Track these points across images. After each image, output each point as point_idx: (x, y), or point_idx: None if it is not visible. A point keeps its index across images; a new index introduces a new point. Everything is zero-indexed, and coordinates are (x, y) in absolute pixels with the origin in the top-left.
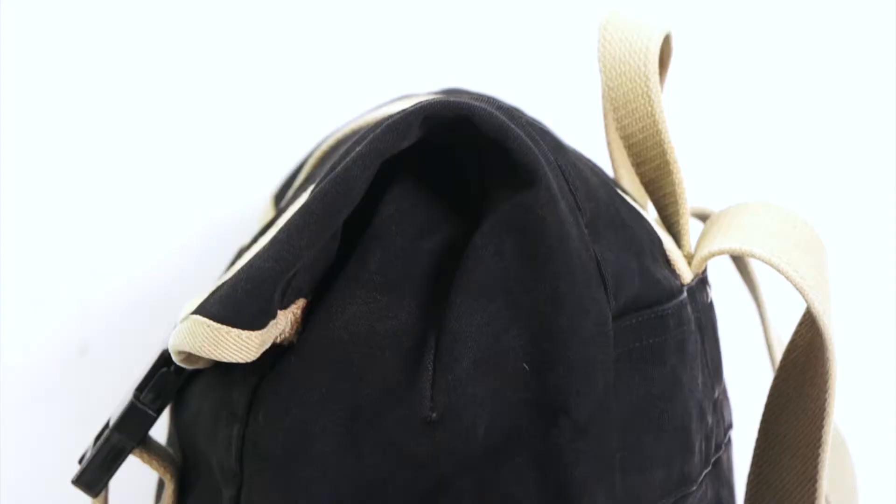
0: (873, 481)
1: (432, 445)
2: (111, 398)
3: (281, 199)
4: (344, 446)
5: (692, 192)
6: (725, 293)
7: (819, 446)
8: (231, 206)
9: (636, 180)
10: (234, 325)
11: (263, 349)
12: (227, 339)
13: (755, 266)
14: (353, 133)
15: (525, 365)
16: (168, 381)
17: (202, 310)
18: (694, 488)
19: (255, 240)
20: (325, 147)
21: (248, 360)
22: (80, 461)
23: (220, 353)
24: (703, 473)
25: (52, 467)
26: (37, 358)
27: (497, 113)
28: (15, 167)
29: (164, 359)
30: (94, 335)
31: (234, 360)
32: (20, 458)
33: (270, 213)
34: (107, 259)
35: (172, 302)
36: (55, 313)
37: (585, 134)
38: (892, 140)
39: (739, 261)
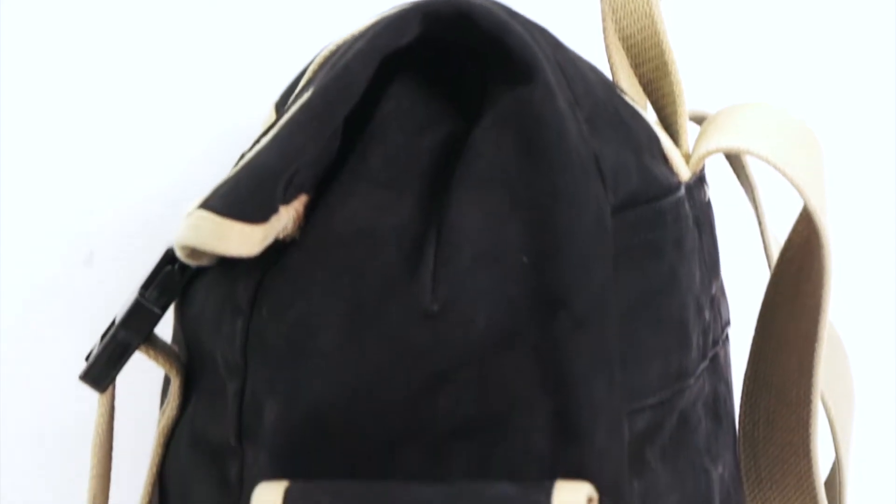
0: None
1: (433, 337)
2: (116, 306)
3: (283, 106)
4: (346, 339)
5: (689, 97)
6: (722, 194)
7: (815, 341)
8: (235, 116)
9: (635, 83)
10: (237, 219)
11: (266, 244)
12: (231, 233)
13: (752, 167)
14: (353, 38)
15: (524, 258)
16: (173, 278)
17: (206, 204)
18: (691, 382)
19: (256, 142)
20: (325, 53)
21: (251, 255)
22: (87, 358)
23: (223, 247)
24: (701, 368)
25: (58, 372)
26: (42, 267)
27: (496, 9)
28: (21, 78)
29: (169, 257)
30: (99, 245)
31: (237, 255)
32: (26, 364)
33: (272, 120)
34: (112, 169)
35: (178, 212)
36: (61, 223)
37: (583, 39)
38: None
39: (736, 161)
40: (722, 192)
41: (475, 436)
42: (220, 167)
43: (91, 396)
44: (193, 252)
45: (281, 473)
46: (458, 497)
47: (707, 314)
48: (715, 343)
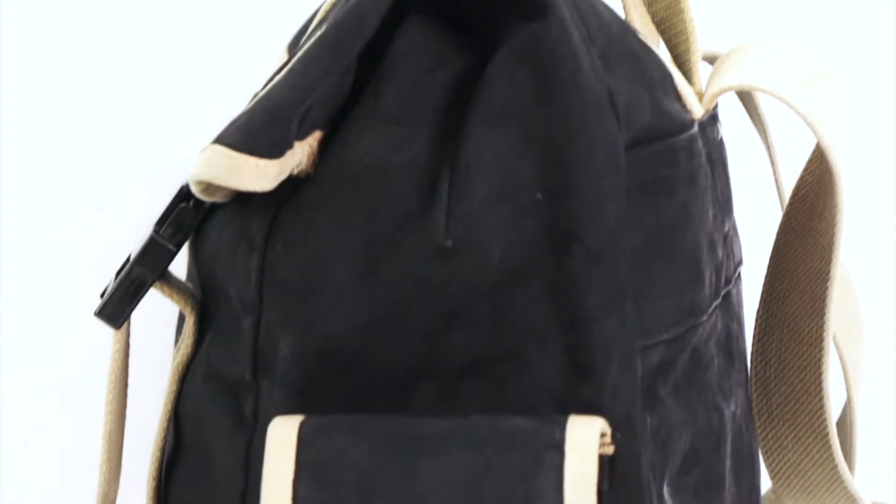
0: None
1: (447, 272)
2: (128, 250)
3: (295, 47)
4: (360, 274)
5: (702, 38)
6: (735, 134)
7: (827, 280)
8: (249, 59)
9: (648, 21)
10: (251, 154)
11: (280, 179)
12: (245, 168)
13: (764, 105)
14: None
15: (538, 194)
16: (187, 215)
17: (220, 139)
18: (704, 318)
19: (269, 80)
20: None
21: (266, 190)
22: (102, 295)
23: (237, 182)
24: (714, 305)
25: (71, 317)
26: (54, 212)
27: None
28: (30, 26)
29: (183, 194)
30: (111, 189)
31: (251, 189)
32: (39, 308)
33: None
34: (124, 114)
35: (190, 157)
36: (72, 168)
37: None
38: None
39: (748, 99)
40: (734, 131)
41: (489, 371)
42: (233, 109)
43: (105, 335)
44: (208, 187)
45: (296, 408)
46: (473, 430)
47: (720, 252)
48: (727, 281)
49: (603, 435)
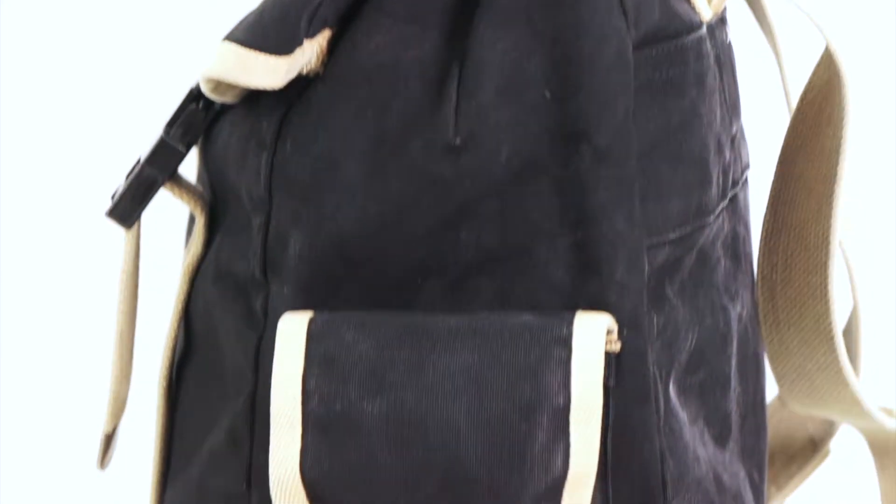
0: None
1: (456, 170)
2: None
3: None
4: (370, 172)
5: None
6: (743, 38)
7: (834, 183)
8: None
9: None
10: (261, 50)
11: (290, 77)
12: (255, 65)
13: (771, 8)
14: None
15: (547, 92)
16: (196, 116)
17: (231, 36)
18: (711, 219)
19: None
20: None
21: (275, 88)
22: (112, 196)
23: (247, 79)
24: (721, 207)
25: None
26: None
27: None
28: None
29: (193, 95)
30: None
31: (261, 87)
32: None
33: None
34: (135, 22)
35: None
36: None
37: None
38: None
39: (756, 4)
40: (742, 35)
41: (497, 269)
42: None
43: (115, 236)
44: (218, 86)
45: (305, 305)
46: (480, 326)
47: (727, 153)
48: (735, 184)
49: (609, 332)
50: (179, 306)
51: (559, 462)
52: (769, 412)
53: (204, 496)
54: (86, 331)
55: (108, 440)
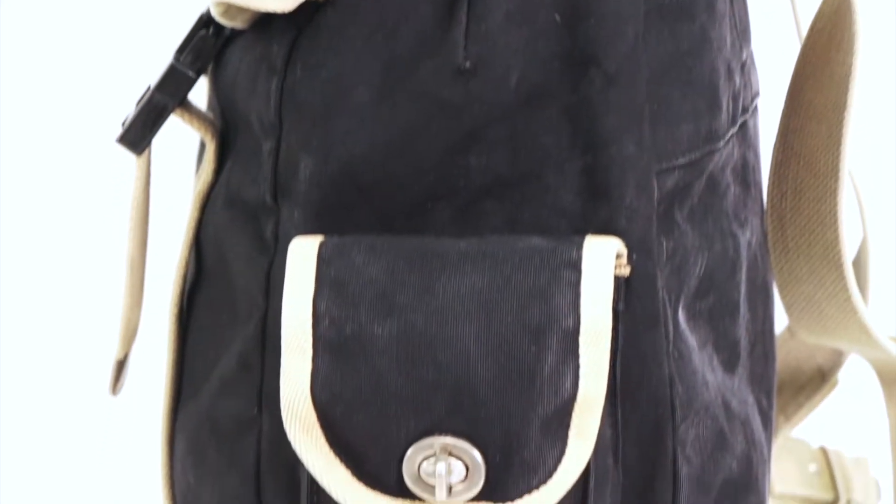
0: None
1: (465, 94)
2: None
3: None
4: (379, 96)
5: None
6: None
7: (844, 110)
8: None
9: None
10: None
11: (300, 1)
12: None
13: None
14: None
15: (557, 16)
16: (207, 42)
17: None
18: (721, 145)
19: None
20: None
21: (286, 11)
22: (123, 123)
23: (258, 3)
24: (730, 133)
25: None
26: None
27: None
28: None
29: (203, 21)
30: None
31: (271, 10)
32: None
33: None
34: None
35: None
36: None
37: None
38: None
39: None
40: None
41: (506, 194)
42: None
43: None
44: (228, 9)
45: (315, 229)
46: (490, 249)
47: (737, 79)
48: (744, 110)
49: (619, 256)
50: (190, 233)
51: (568, 384)
52: (778, 343)
53: (215, 421)
54: (97, 259)
55: (120, 367)
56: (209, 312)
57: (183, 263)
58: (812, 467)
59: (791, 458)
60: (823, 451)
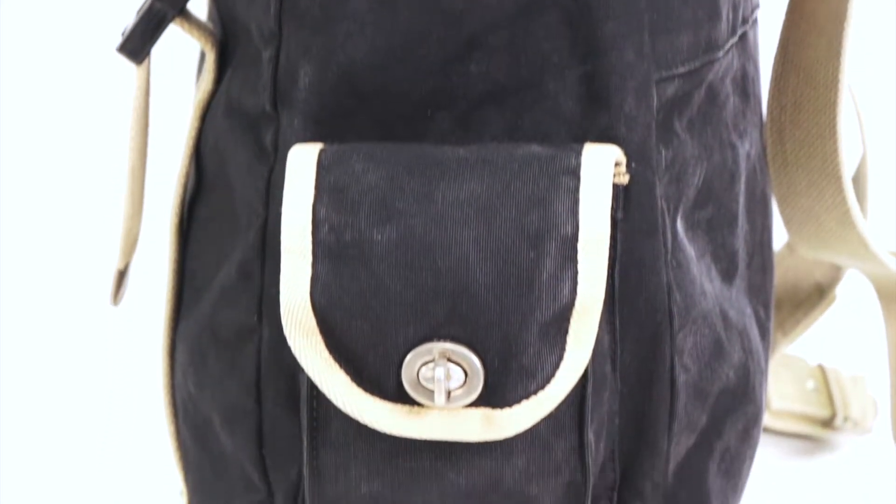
0: None
1: (466, 0)
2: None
3: None
4: (379, 2)
5: None
6: None
7: (844, 20)
8: None
9: None
10: None
11: None
12: None
13: None
14: None
15: None
16: None
17: None
18: (720, 55)
19: None
20: None
21: None
22: (123, 33)
23: None
24: (730, 43)
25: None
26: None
27: None
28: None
29: None
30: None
31: None
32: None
33: None
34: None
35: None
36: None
37: None
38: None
39: None
40: None
41: (506, 101)
42: None
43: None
44: None
45: (315, 137)
46: (490, 156)
47: None
48: (744, 21)
49: (618, 164)
50: (191, 143)
51: (566, 290)
52: (777, 260)
53: (216, 330)
54: (98, 169)
55: (121, 276)
56: (210, 222)
57: (183, 173)
58: (810, 384)
59: (789, 375)
60: (821, 369)
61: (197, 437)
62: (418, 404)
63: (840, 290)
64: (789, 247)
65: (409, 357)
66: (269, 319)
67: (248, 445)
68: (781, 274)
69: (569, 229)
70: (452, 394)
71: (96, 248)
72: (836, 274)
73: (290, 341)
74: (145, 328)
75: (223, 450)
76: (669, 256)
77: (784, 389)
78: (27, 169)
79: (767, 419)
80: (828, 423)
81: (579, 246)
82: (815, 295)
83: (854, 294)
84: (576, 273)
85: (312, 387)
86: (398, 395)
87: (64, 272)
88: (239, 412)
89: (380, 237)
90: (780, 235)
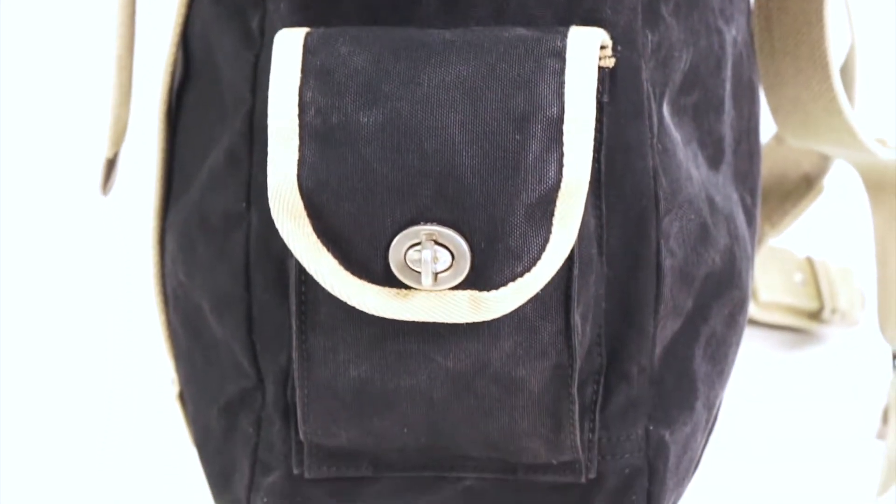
0: None
1: None
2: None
3: None
4: None
5: None
6: None
7: None
8: None
9: None
10: None
11: None
12: None
13: None
14: None
15: None
16: None
17: None
18: None
19: None
20: None
21: None
22: None
23: None
24: None
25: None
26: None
27: None
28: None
29: None
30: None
31: None
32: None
33: None
34: None
35: None
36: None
37: None
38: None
39: None
40: None
41: None
42: None
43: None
44: None
45: (301, 21)
46: (476, 39)
47: None
48: None
49: (603, 47)
50: (177, 30)
51: (552, 172)
52: (765, 152)
53: (205, 216)
54: (86, 50)
55: (110, 165)
56: (197, 109)
57: (170, 61)
58: (798, 277)
59: (777, 267)
60: (809, 261)
61: (187, 325)
62: (406, 287)
63: (828, 181)
64: (777, 138)
65: (396, 240)
66: (257, 206)
67: (238, 332)
68: (769, 166)
69: (554, 111)
70: (439, 276)
71: (85, 137)
72: (823, 164)
73: (278, 224)
74: (135, 217)
75: (213, 337)
76: (655, 141)
77: (772, 282)
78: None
79: (755, 311)
80: (815, 315)
81: (565, 128)
82: (803, 186)
83: (842, 186)
84: (561, 155)
85: (301, 271)
86: (385, 278)
87: (54, 165)
88: (228, 299)
89: (366, 120)
90: (767, 128)
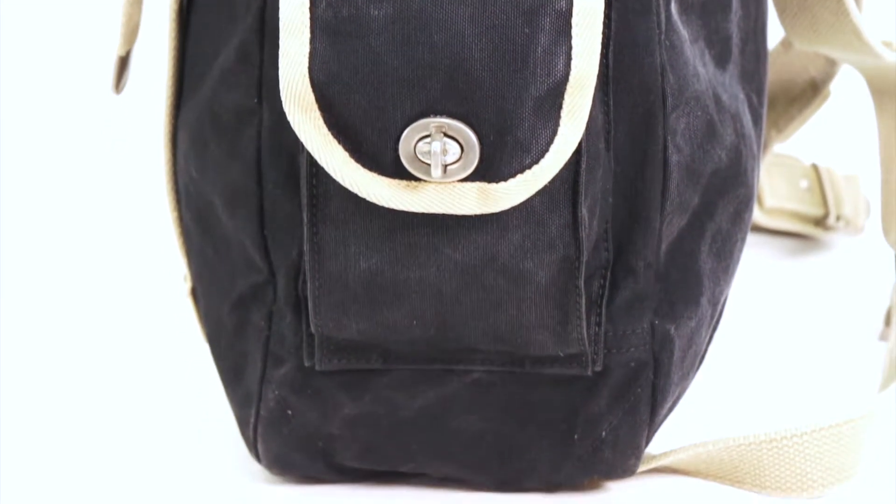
0: None
1: None
2: None
3: None
4: None
5: None
6: None
7: None
8: None
9: None
10: None
11: None
12: None
13: None
14: None
15: None
16: None
17: None
18: None
19: None
20: None
21: None
22: None
23: None
24: None
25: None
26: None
27: None
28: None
29: None
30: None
31: None
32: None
33: None
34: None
35: None
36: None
37: None
38: None
39: None
40: None
41: None
42: None
43: None
44: None
45: None
46: None
47: None
48: None
49: None
50: None
51: (560, 65)
52: (772, 57)
53: (216, 114)
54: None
55: (123, 63)
56: (209, 7)
57: None
58: (803, 183)
59: (782, 173)
60: (815, 168)
61: (199, 221)
62: (416, 179)
63: (834, 87)
64: (784, 44)
65: (406, 132)
66: (269, 101)
67: (250, 226)
68: (776, 71)
69: (563, 4)
70: (449, 168)
71: (98, 35)
72: (830, 69)
73: (290, 117)
74: (148, 115)
75: (225, 232)
76: (663, 37)
77: (777, 188)
78: None
79: (760, 217)
80: (820, 221)
81: (573, 21)
82: (810, 91)
83: (848, 93)
84: (570, 48)
85: (312, 163)
86: (395, 170)
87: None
88: (240, 194)
89: (377, 12)
90: (775, 33)
